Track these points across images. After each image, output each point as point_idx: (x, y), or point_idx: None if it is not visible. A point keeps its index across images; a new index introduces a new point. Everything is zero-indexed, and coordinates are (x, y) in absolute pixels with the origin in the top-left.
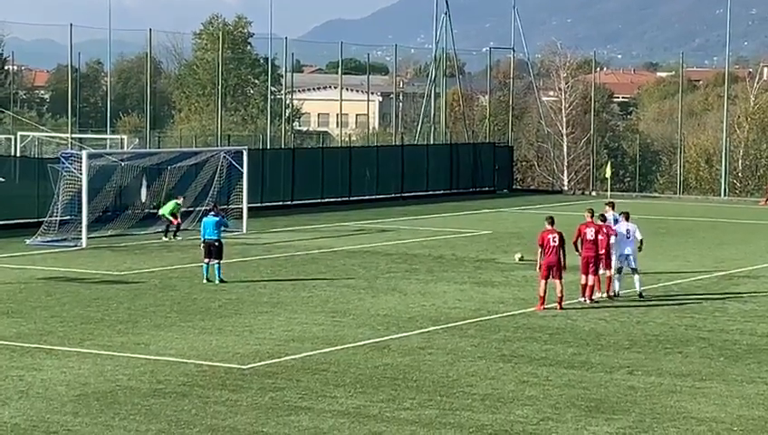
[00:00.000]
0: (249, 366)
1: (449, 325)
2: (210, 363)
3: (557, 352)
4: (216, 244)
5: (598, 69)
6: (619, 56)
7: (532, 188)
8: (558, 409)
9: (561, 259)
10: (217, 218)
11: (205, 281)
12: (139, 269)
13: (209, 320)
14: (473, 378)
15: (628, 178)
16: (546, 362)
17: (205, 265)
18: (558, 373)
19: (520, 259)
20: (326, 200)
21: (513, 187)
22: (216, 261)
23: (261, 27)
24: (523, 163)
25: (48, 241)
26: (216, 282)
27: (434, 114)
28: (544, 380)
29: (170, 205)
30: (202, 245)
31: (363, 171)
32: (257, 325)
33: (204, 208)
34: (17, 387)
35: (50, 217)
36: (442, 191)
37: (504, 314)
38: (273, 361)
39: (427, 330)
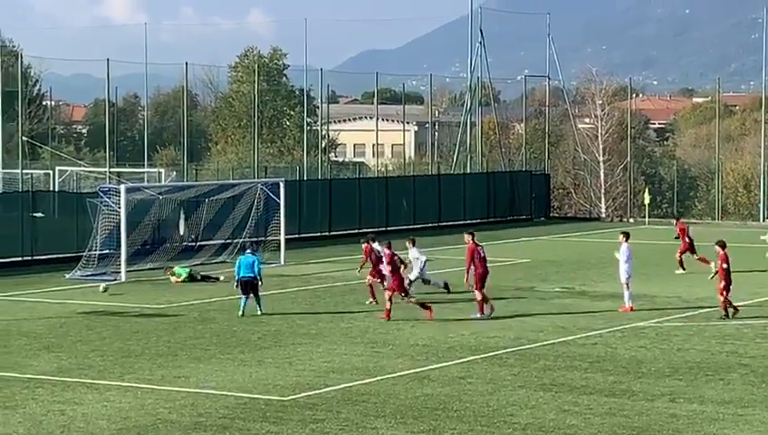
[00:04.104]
0: (289, 398)
1: (489, 354)
2: (250, 396)
3: (597, 381)
4: (254, 282)
5: (634, 95)
6: (655, 82)
7: (569, 215)
8: None
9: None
10: (255, 257)
11: (240, 314)
12: (178, 302)
13: (249, 352)
14: (513, 407)
15: (666, 205)
16: (587, 390)
17: (243, 300)
18: (599, 402)
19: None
20: (363, 231)
21: (551, 215)
22: (255, 297)
23: (296, 59)
24: (560, 191)
25: (87, 275)
26: (259, 313)
27: (470, 143)
28: (585, 408)
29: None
30: (236, 284)
31: (400, 201)
32: (297, 357)
33: (242, 241)
34: (59, 422)
35: (89, 251)
36: (479, 220)
37: (544, 343)
38: (314, 392)
39: (466, 359)
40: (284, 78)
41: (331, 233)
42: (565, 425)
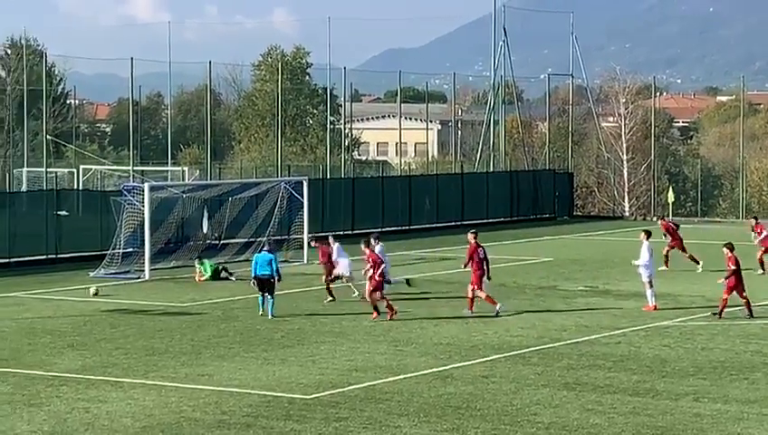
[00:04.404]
0: (313, 396)
1: (512, 353)
2: (274, 394)
3: (621, 380)
4: (270, 280)
5: (657, 94)
6: (679, 81)
7: (592, 214)
8: None
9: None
10: (272, 255)
11: (261, 313)
12: (201, 300)
13: (272, 350)
14: (537, 406)
15: (690, 204)
16: (610, 389)
17: (260, 298)
18: (623, 401)
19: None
20: (386, 229)
21: (574, 213)
22: (269, 296)
23: (319, 57)
24: (584, 189)
25: (111, 273)
26: (269, 317)
27: (493, 142)
28: (609, 407)
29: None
30: (253, 281)
31: (423, 200)
32: (320, 355)
33: (265, 239)
34: (83, 419)
35: (113, 249)
36: (502, 219)
37: (567, 342)
38: (337, 390)
39: (489, 358)
40: (308, 76)
41: (354, 231)
42: (589, 424)
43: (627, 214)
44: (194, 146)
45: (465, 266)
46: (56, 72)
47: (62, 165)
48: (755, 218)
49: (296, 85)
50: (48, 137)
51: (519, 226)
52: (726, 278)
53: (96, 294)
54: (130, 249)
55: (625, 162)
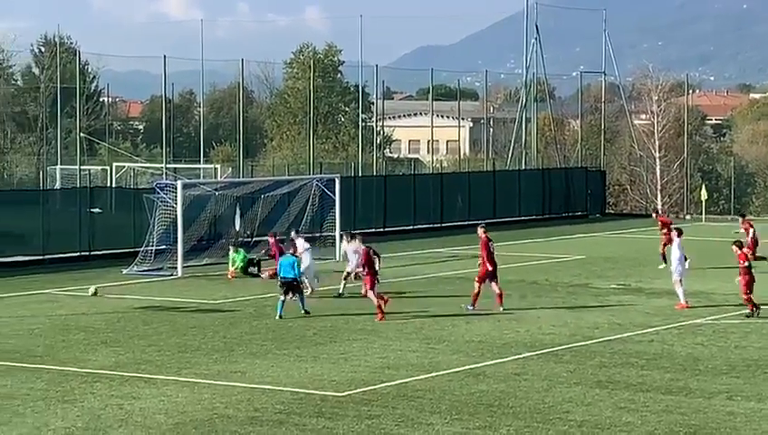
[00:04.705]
0: (345, 393)
1: (544, 351)
2: (306, 391)
3: (654, 378)
4: (294, 283)
5: (690, 91)
6: (712, 78)
7: (625, 212)
8: None
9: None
10: (294, 259)
11: (278, 317)
12: (234, 298)
13: (304, 348)
14: (569, 404)
15: (723, 201)
16: (643, 387)
17: (280, 302)
18: (655, 399)
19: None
20: (418, 227)
21: (606, 211)
22: (297, 296)
23: (351, 55)
24: (616, 187)
25: (144, 270)
26: (302, 312)
27: (525, 139)
28: (642, 406)
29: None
30: (279, 284)
31: (455, 198)
32: (352, 353)
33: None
34: (117, 416)
35: (146, 246)
36: (534, 216)
37: (600, 340)
38: (369, 388)
39: (522, 356)
40: (339, 74)
41: (386, 229)
42: (621, 422)
43: (659, 212)
44: (226, 143)
45: (486, 262)
46: (89, 70)
47: (96, 162)
48: (743, 216)
49: (328, 83)
50: (81, 134)
51: (551, 223)
52: (740, 277)
53: (95, 294)
54: (163, 246)
55: (657, 160)
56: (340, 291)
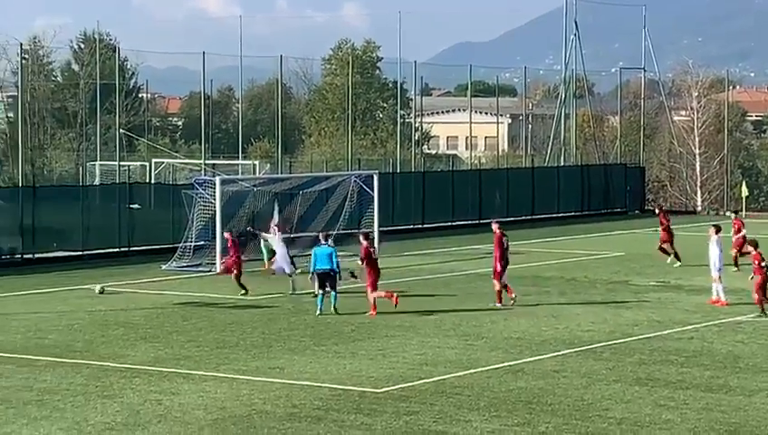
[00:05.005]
0: (383, 390)
1: (583, 348)
2: (344, 387)
3: (694, 376)
4: (330, 274)
5: (730, 87)
6: (752, 74)
7: (664, 208)
8: (696, 433)
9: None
10: (332, 249)
11: (318, 313)
12: (272, 294)
13: (343, 344)
14: (608, 401)
15: (763, 198)
16: (683, 385)
17: (320, 296)
18: (695, 397)
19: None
20: (456, 223)
21: (645, 208)
22: (332, 291)
23: (389, 51)
24: (656, 184)
25: (183, 266)
26: (332, 312)
27: (564, 136)
28: (681, 403)
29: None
30: (311, 277)
31: (493, 194)
32: (390, 349)
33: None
34: (156, 411)
35: (184, 242)
36: (573, 213)
37: (639, 337)
38: (407, 384)
39: (560, 353)
40: (378, 70)
41: (425, 225)
42: (661, 420)
43: (699, 208)
44: (264, 140)
45: (499, 258)
46: (129, 67)
47: (135, 159)
48: (735, 213)
49: (366, 79)
50: (121, 131)
51: (590, 220)
52: (754, 276)
53: (102, 292)
54: (202, 242)
55: (697, 156)
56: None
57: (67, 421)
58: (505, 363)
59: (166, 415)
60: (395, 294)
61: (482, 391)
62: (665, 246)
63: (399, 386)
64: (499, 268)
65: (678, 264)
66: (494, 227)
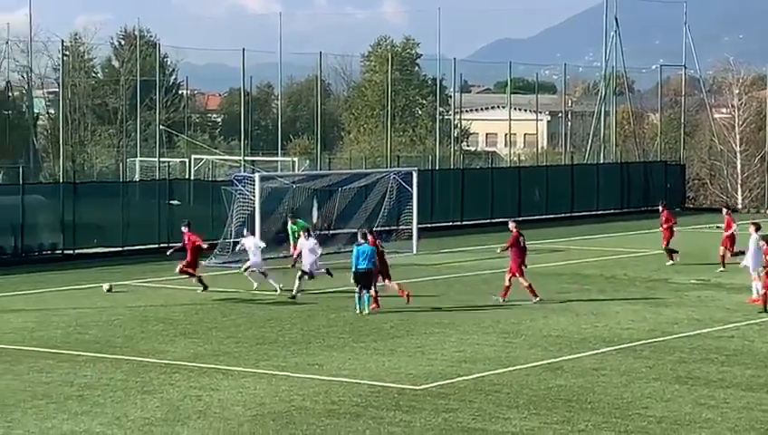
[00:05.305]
0: (422, 387)
1: (623, 346)
2: (383, 384)
3: (734, 374)
4: (370, 272)
5: None
6: None
7: (704, 206)
8: (736, 432)
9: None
10: (371, 248)
11: (359, 312)
12: (310, 290)
13: (381, 341)
14: (648, 400)
15: None
16: (723, 384)
17: (358, 297)
18: (736, 396)
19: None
20: (495, 220)
21: (686, 205)
22: (366, 291)
23: (429, 48)
24: (696, 181)
25: (222, 262)
26: (366, 312)
27: (603, 133)
28: (722, 402)
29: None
30: (353, 278)
31: (532, 191)
32: (429, 346)
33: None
34: (195, 407)
35: (224, 238)
36: (612, 210)
37: (679, 335)
38: (446, 381)
39: (600, 351)
40: (417, 67)
41: (464, 222)
42: (701, 419)
43: (739, 206)
44: (303, 136)
45: (506, 249)
46: (169, 63)
47: (174, 155)
48: (727, 208)
49: (405, 76)
50: (161, 127)
51: (629, 217)
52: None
53: (109, 291)
54: (241, 239)
55: (738, 154)
56: (294, 293)
57: (107, 416)
58: (544, 361)
59: (205, 411)
60: (406, 291)
61: (521, 389)
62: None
63: (438, 383)
64: (515, 267)
65: (671, 262)
66: (511, 226)
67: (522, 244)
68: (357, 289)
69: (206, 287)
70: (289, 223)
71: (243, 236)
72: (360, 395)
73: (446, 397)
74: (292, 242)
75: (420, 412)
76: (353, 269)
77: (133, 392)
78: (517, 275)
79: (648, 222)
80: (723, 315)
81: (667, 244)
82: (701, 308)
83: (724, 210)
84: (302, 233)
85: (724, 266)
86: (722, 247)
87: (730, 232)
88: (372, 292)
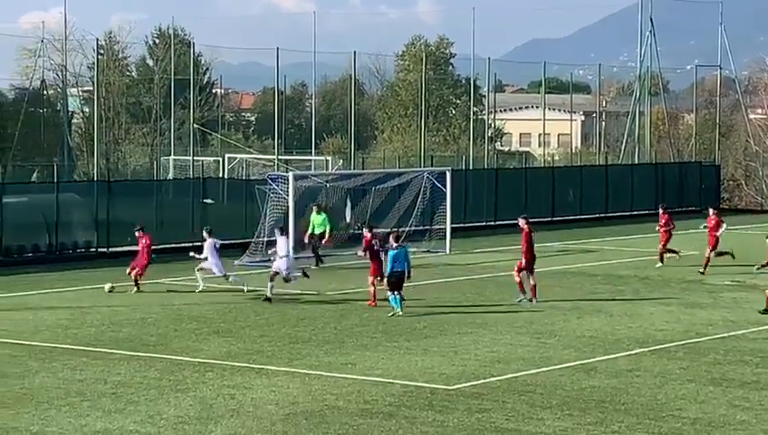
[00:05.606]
0: (455, 387)
1: (657, 348)
2: (416, 384)
3: None
4: (403, 276)
5: None
6: None
7: (739, 207)
8: None
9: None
10: (405, 249)
11: (392, 314)
12: (344, 289)
13: (414, 340)
14: (682, 401)
15: None
16: (758, 386)
17: (393, 298)
18: None
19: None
20: (529, 221)
21: (721, 206)
22: (399, 293)
23: (463, 48)
24: (731, 182)
25: (256, 261)
26: (400, 313)
27: (638, 133)
28: (757, 404)
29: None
30: (391, 278)
31: (566, 191)
32: (462, 346)
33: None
34: (229, 405)
35: (257, 237)
36: (647, 211)
37: (714, 337)
38: (479, 381)
39: (634, 352)
40: (451, 67)
41: (497, 222)
42: (735, 421)
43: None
44: (337, 135)
45: (527, 252)
46: (203, 62)
47: (208, 153)
48: (714, 208)
49: (439, 75)
50: (195, 126)
51: None
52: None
53: (111, 291)
54: (274, 238)
55: None
56: (268, 295)
57: (141, 415)
58: (578, 362)
59: (238, 409)
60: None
61: (554, 390)
62: (663, 247)
63: (471, 383)
64: (524, 263)
65: (659, 265)
66: (522, 223)
67: (531, 241)
68: (390, 291)
69: (138, 288)
70: (313, 213)
71: (276, 235)
72: (392, 395)
73: (479, 397)
74: (309, 231)
75: (453, 412)
76: (389, 272)
77: (167, 390)
78: (516, 270)
79: (683, 223)
80: (758, 317)
81: (665, 245)
82: (736, 310)
83: (711, 210)
84: (277, 232)
85: (704, 271)
86: (708, 249)
87: (719, 233)
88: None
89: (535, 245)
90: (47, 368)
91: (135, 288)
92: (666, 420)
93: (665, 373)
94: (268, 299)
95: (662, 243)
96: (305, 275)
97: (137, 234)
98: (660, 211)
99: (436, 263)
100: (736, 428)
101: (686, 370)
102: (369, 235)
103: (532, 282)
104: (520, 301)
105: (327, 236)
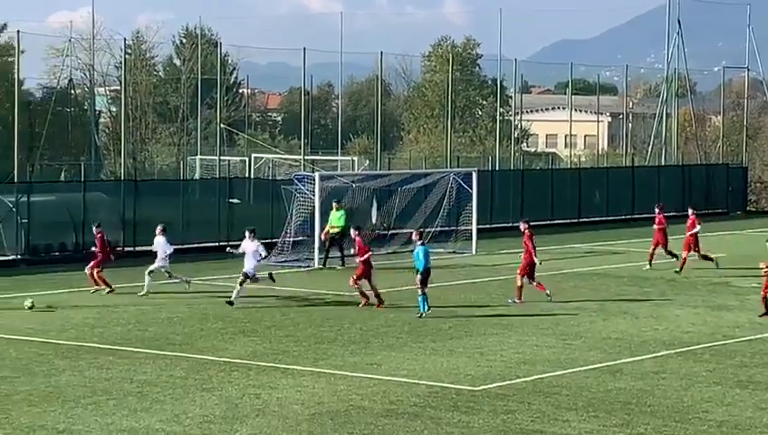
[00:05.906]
0: (480, 388)
1: (683, 350)
2: (441, 385)
3: None
4: (430, 272)
5: None
6: None
7: (766, 210)
8: None
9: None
10: (427, 248)
11: (420, 314)
12: (369, 290)
13: (440, 341)
14: (708, 404)
15: None
16: None
17: (423, 298)
18: None
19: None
20: (555, 222)
21: (748, 209)
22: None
23: (489, 48)
24: (758, 184)
25: (282, 261)
26: (428, 313)
27: (665, 135)
28: None
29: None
30: (420, 275)
31: (593, 193)
32: (487, 347)
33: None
34: (254, 405)
35: (283, 237)
36: (674, 213)
37: (741, 339)
38: (505, 383)
39: (660, 354)
40: (477, 67)
41: None
42: (762, 423)
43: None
44: (363, 136)
45: (535, 254)
46: (230, 62)
47: (234, 153)
48: (694, 208)
49: (466, 76)
50: (221, 125)
51: None
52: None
53: (31, 308)
54: (300, 238)
55: None
56: (233, 298)
57: (166, 413)
58: (604, 364)
59: (264, 409)
60: (364, 302)
61: (580, 391)
62: (660, 249)
63: (497, 384)
64: (527, 266)
65: (647, 267)
66: (523, 226)
67: (533, 244)
68: (420, 289)
69: (99, 289)
70: (333, 210)
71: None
72: (418, 395)
73: (505, 398)
74: (327, 227)
75: (478, 413)
76: (421, 267)
77: (192, 390)
78: (520, 272)
79: (710, 225)
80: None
81: (665, 246)
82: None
83: (690, 210)
84: (247, 233)
85: (679, 271)
86: (685, 251)
87: (694, 231)
88: (355, 287)
89: (561, 246)
90: (73, 366)
91: (107, 289)
92: (692, 423)
93: (691, 376)
94: (230, 302)
95: (663, 244)
96: (271, 278)
97: (95, 230)
98: (657, 211)
99: (461, 264)
100: (762, 430)
101: (712, 372)
102: (358, 238)
103: (518, 283)
104: (512, 301)
105: (338, 234)
